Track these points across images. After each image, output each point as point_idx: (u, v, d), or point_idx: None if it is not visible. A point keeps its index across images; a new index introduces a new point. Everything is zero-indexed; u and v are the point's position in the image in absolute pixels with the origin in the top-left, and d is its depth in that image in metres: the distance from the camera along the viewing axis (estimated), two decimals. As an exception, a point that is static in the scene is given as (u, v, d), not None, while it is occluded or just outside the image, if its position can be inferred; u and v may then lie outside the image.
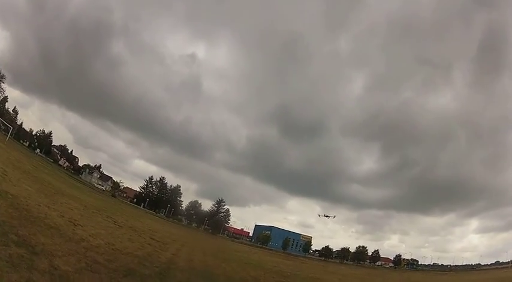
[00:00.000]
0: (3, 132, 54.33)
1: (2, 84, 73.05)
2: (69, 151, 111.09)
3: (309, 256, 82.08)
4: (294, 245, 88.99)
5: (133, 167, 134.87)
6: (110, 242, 14.79)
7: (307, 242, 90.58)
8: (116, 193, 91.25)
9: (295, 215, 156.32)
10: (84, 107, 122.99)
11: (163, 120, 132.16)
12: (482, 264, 77.76)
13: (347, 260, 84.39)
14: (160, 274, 12.08)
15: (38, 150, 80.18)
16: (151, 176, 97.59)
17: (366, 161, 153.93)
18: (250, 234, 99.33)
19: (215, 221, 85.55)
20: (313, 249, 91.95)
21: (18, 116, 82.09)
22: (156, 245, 21.15)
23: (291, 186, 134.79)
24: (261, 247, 74.91)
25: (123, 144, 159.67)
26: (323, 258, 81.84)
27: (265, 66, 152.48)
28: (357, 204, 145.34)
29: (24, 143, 77.95)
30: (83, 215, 19.90)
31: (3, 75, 72.30)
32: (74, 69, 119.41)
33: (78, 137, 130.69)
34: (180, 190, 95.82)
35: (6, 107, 75.31)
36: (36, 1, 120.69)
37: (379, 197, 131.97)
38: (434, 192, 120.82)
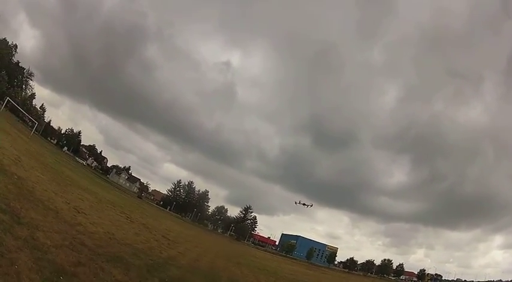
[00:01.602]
0: (30, 128, 59.32)
1: (30, 81, 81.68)
2: (99, 151, 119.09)
3: (333, 267, 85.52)
4: (320, 255, 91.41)
5: (163, 170, 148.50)
6: (109, 232, 15.69)
7: (332, 252, 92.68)
8: (143, 195, 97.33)
9: (324, 226, 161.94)
10: (116, 109, 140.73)
11: (196, 125, 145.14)
12: (503, 280, 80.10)
13: (371, 273, 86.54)
14: (151, 266, 12.55)
15: (66, 148, 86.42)
16: (180, 180, 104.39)
17: (396, 174, 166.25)
18: (277, 243, 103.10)
19: (241, 228, 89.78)
20: (338, 261, 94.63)
21: (46, 113, 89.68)
22: (164, 242, 22.04)
23: (321, 197, 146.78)
24: (285, 256, 77.58)
25: (154, 147, 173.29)
26: (347, 270, 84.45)
27: (299, 75, 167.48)
28: (385, 216, 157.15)
29: (52, 141, 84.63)
30: (92, 206, 21.26)
31: (31, 72, 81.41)
32: (106, 71, 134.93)
33: (109, 138, 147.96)
34: (208, 195, 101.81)
35: (33, 103, 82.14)
36: (68, 1, 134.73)
37: (407, 210, 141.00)
38: (461, 207, 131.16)
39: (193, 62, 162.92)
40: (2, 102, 51.48)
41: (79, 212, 16.31)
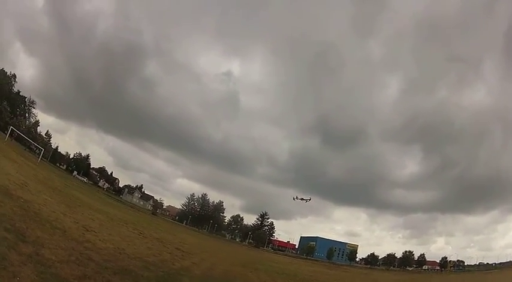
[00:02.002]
0: (37, 155, 61.14)
1: (33, 109, 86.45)
2: (109, 173, 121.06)
3: (354, 265, 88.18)
4: (340, 254, 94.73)
5: (176, 185, 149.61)
6: (119, 247, 15.99)
7: (353, 250, 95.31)
8: (158, 211, 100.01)
9: (342, 225, 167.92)
10: (122, 130, 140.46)
11: (203, 138, 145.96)
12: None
13: (393, 266, 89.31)
14: (161, 278, 12.62)
15: (76, 172, 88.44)
16: (193, 193, 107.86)
17: (408, 165, 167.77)
18: (297, 246, 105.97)
19: (259, 235, 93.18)
20: (360, 258, 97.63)
21: (53, 140, 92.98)
22: (177, 254, 22.31)
23: (336, 196, 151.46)
24: (305, 258, 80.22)
25: (164, 164, 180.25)
26: (368, 266, 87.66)
27: (301, 78, 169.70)
28: (402, 209, 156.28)
29: (61, 166, 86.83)
30: (103, 225, 21.75)
31: (33, 101, 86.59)
32: (108, 93, 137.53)
33: (119, 159, 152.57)
34: (222, 206, 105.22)
35: (38, 131, 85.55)
36: (62, 26, 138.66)
37: (423, 200, 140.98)
38: (476, 190, 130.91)
39: (194, 74, 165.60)
40: (6, 133, 53.19)
41: (88, 230, 16.63)
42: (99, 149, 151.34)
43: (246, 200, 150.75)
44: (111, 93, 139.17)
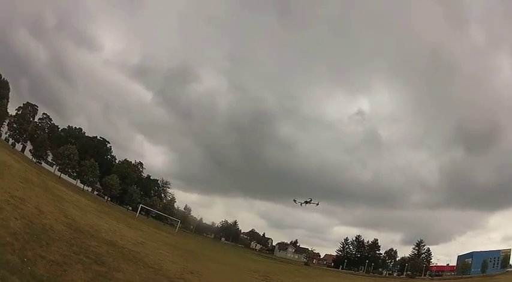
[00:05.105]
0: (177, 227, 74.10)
1: (168, 189, 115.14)
2: (261, 234, 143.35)
3: (508, 270, 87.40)
4: (495, 263, 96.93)
5: (333, 234, 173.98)
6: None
7: (506, 256, 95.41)
8: (314, 261, 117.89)
9: (498, 231, 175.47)
10: (270, 192, 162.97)
11: (352, 181, 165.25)
12: None
13: None
14: None
15: (223, 238, 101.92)
16: (346, 237, 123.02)
17: None
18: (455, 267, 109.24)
19: (414, 264, 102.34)
20: None
21: (194, 212, 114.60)
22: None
23: (489, 203, 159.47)
24: (459, 278, 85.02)
25: (319, 216, 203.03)
26: None
27: (426, 91, 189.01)
28: None
29: (209, 236, 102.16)
30: (218, 272, 24.56)
31: (166, 182, 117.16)
32: (247, 161, 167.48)
33: (271, 221, 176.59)
34: (377, 243, 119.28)
35: (176, 207, 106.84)
36: (179, 112, 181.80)
37: None
38: None
39: (327, 123, 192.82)
40: (143, 212, 66.95)
41: (192, 273, 19.17)
42: (250, 214, 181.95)
43: (404, 232, 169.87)
44: (250, 161, 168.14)
